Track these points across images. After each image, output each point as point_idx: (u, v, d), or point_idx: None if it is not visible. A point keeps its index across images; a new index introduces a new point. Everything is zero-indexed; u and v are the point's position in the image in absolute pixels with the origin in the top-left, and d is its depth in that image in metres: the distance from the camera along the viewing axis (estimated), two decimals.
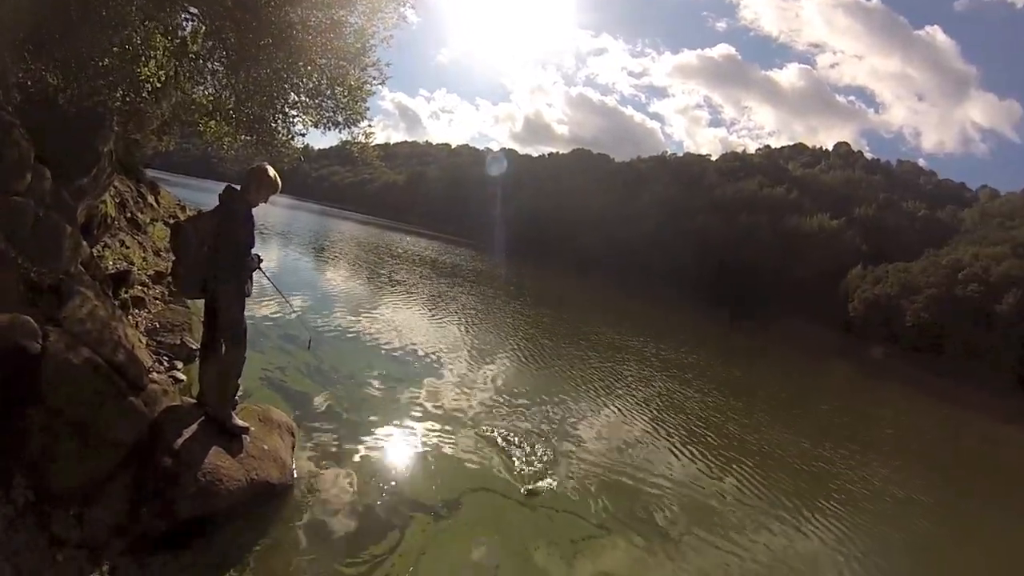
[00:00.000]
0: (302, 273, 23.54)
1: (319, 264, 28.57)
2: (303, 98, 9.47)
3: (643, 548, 7.70)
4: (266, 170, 5.92)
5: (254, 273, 6.22)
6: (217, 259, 5.74)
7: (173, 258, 6.31)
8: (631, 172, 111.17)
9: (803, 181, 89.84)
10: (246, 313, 6.35)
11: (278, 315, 13.67)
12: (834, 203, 79.03)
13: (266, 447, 6.28)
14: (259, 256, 6.16)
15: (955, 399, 34.10)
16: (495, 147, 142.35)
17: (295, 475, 6.71)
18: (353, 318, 16.47)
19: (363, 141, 10.69)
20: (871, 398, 27.80)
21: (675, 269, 72.91)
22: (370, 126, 10.81)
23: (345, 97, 9.50)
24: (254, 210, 6.18)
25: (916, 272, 54.75)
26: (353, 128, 10.52)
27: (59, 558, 4.18)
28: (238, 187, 5.86)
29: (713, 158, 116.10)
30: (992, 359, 45.53)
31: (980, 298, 49.97)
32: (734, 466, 11.84)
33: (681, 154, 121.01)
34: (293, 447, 7.05)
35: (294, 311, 13.17)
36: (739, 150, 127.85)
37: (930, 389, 35.25)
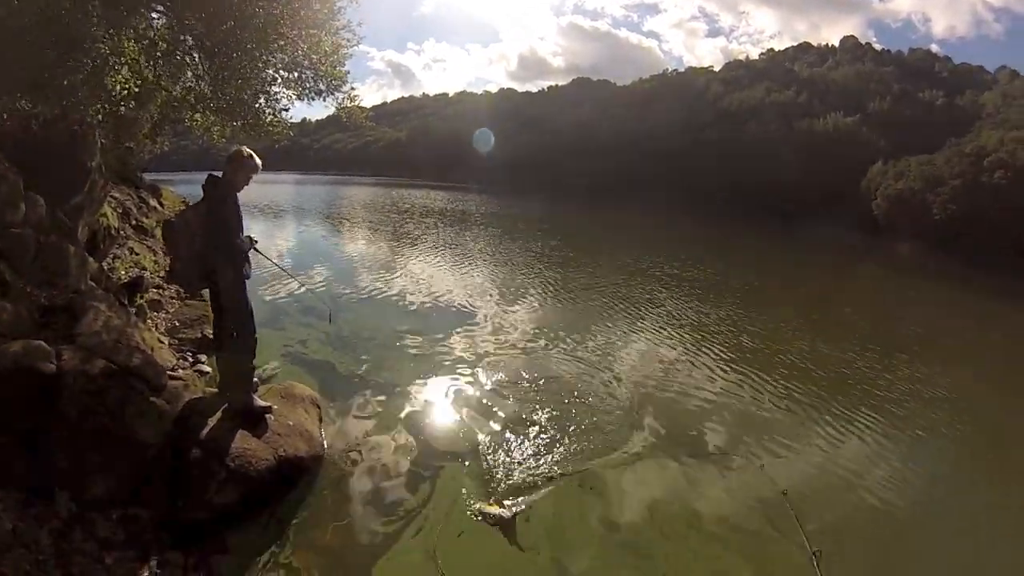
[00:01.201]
0: (318, 245, 23.85)
1: (332, 234, 28.82)
2: (281, 73, 9.56)
3: (693, 466, 7.83)
4: (243, 152, 6.01)
5: (253, 255, 6.37)
6: (210, 248, 5.90)
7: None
8: (634, 95, 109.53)
9: (812, 81, 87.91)
10: (252, 294, 6.53)
11: (296, 292, 13.85)
12: (846, 100, 77.26)
13: (291, 423, 6.48)
14: (252, 238, 6.29)
15: (989, 291, 33.63)
16: (493, 88, 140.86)
17: (325, 445, 6.91)
18: (371, 281, 16.80)
19: (350, 105, 10.77)
20: (901, 298, 27.56)
21: (688, 187, 72.32)
22: (353, 88, 10.89)
23: (323, 64, 9.56)
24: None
25: (939, 163, 53.34)
26: (337, 93, 10.63)
27: (108, 561, 4.43)
28: (219, 175, 6.00)
29: (716, 69, 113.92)
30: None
31: (1008, 185, 48.58)
32: (771, 377, 11.98)
33: (683, 69, 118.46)
34: (320, 418, 7.24)
35: (303, 286, 13.38)
36: (741, 57, 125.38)
37: (962, 283, 34.90)
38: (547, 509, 6.44)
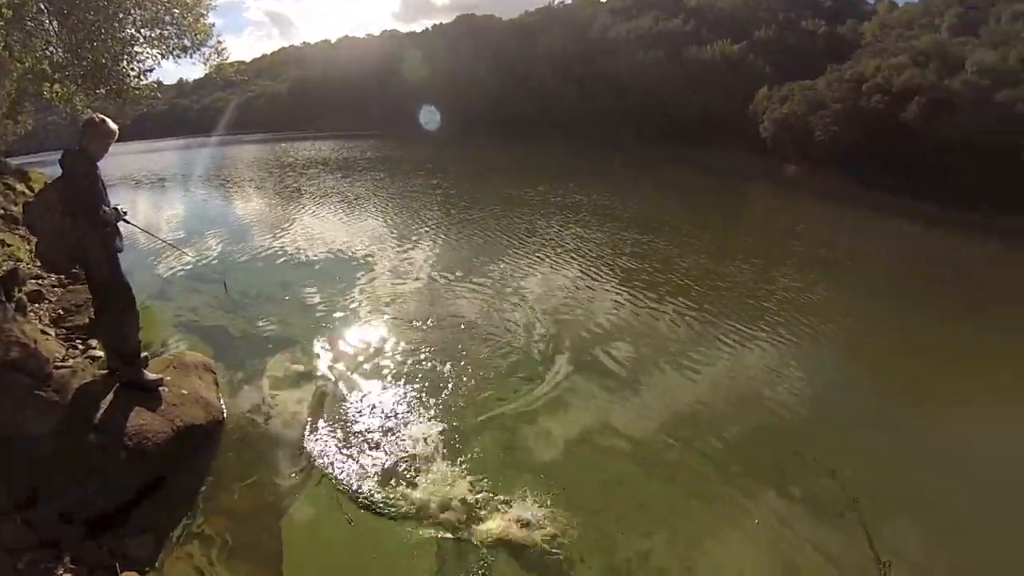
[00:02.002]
0: (205, 211, 23.54)
1: (220, 198, 28.34)
2: (142, 31, 9.02)
3: (607, 391, 8.39)
4: (95, 119, 5.81)
5: (124, 228, 6.24)
6: (74, 225, 5.65)
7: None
8: (520, 29, 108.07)
9: (699, 10, 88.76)
10: (138, 269, 6.56)
11: (184, 261, 13.69)
12: (733, 29, 78.79)
13: (185, 391, 6.57)
14: (119, 209, 6.09)
15: (869, 206, 35.63)
16: (376, 32, 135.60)
17: (224, 410, 7.04)
18: (263, 240, 17.02)
19: (218, 61, 10.49)
20: (793, 216, 28.86)
21: (578, 118, 72.68)
22: (221, 42, 10.41)
23: (185, 18, 9.09)
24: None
25: (821, 88, 55.87)
26: (204, 49, 10.14)
27: (20, 567, 4.25)
28: (76, 148, 5.73)
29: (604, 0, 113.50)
30: (899, 166, 47.11)
31: (885, 108, 51.40)
32: (673, 299, 12.70)
33: (570, 1, 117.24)
34: (216, 383, 7.41)
35: (187, 254, 13.55)
36: None
37: (844, 200, 37.19)
38: (462, 445, 6.70)
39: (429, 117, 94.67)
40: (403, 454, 6.48)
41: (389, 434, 6.82)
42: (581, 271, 14.24)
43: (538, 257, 15.13)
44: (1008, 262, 25.40)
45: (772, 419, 8.39)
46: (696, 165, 49.03)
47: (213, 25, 9.75)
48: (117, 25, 8.19)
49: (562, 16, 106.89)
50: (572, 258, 15.27)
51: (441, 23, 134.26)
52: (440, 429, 6.96)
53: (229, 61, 10.74)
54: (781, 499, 6.67)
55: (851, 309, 14.29)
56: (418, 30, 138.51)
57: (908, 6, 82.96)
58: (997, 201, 41.54)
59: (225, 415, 6.93)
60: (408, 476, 6.14)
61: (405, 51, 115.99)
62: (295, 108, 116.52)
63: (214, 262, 14.02)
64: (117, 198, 6.69)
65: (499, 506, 5.87)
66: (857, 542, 6.21)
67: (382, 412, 7.31)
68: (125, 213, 6.13)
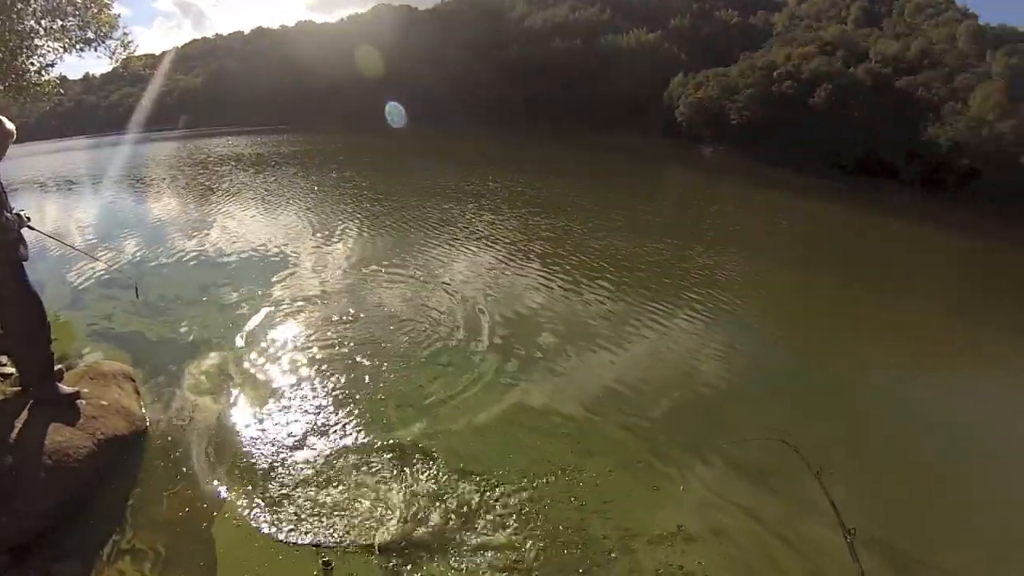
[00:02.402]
0: (119, 213, 22.01)
1: (134, 198, 26.76)
2: (42, 23, 8.28)
3: (529, 374, 8.23)
4: None
5: (29, 235, 5.70)
6: None
7: None
8: (437, 18, 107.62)
9: (617, 0, 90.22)
10: (47, 278, 6.09)
11: (97, 267, 12.81)
12: (648, 18, 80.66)
13: (105, 402, 6.19)
14: (23, 215, 5.59)
15: (781, 185, 37.11)
16: (291, 22, 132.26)
17: (146, 418, 6.68)
18: (179, 242, 15.91)
19: (125, 54, 9.82)
20: (708, 196, 29.62)
21: (494, 106, 72.95)
22: (127, 34, 9.78)
23: (89, 9, 8.39)
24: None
25: (735, 75, 57.90)
26: (109, 41, 9.55)
27: None
28: None
29: None
30: (808, 147, 49.53)
31: (795, 94, 53.94)
32: (590, 281, 12.81)
33: None
34: (136, 391, 7.01)
35: (100, 260, 12.72)
36: None
37: (757, 178, 38.66)
38: (384, 437, 6.54)
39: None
40: (327, 451, 6.30)
41: (312, 432, 6.53)
42: (497, 258, 14.11)
43: (453, 246, 14.95)
44: (905, 233, 27.31)
45: (694, 391, 8.37)
46: (613, 149, 49.89)
47: (119, 16, 9.14)
48: (15, 16, 7.53)
49: (479, 4, 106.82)
50: (487, 245, 15.13)
51: (357, 12, 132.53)
52: (362, 422, 6.78)
53: (137, 54, 10.08)
54: (706, 467, 6.64)
55: (764, 281, 14.75)
56: (333, 20, 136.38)
57: None
58: (895, 178, 47.81)
59: (148, 423, 6.62)
60: (332, 473, 5.98)
61: (321, 42, 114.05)
62: (209, 103, 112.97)
63: (128, 267, 13.29)
64: (20, 203, 6.45)
65: (426, 496, 5.72)
66: (789, 505, 6.21)
67: (304, 409, 6.85)
68: (29, 219, 5.67)
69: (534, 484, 5.96)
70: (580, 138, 56.70)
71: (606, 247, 15.53)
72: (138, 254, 14.65)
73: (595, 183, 30.94)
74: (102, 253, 14.18)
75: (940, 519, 6.74)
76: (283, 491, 5.64)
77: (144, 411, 6.74)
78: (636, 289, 12.53)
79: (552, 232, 16.74)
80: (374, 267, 12.92)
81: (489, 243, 15.35)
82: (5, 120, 5.35)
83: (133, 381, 7.10)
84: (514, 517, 5.52)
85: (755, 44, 70.03)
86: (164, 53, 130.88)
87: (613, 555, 5.25)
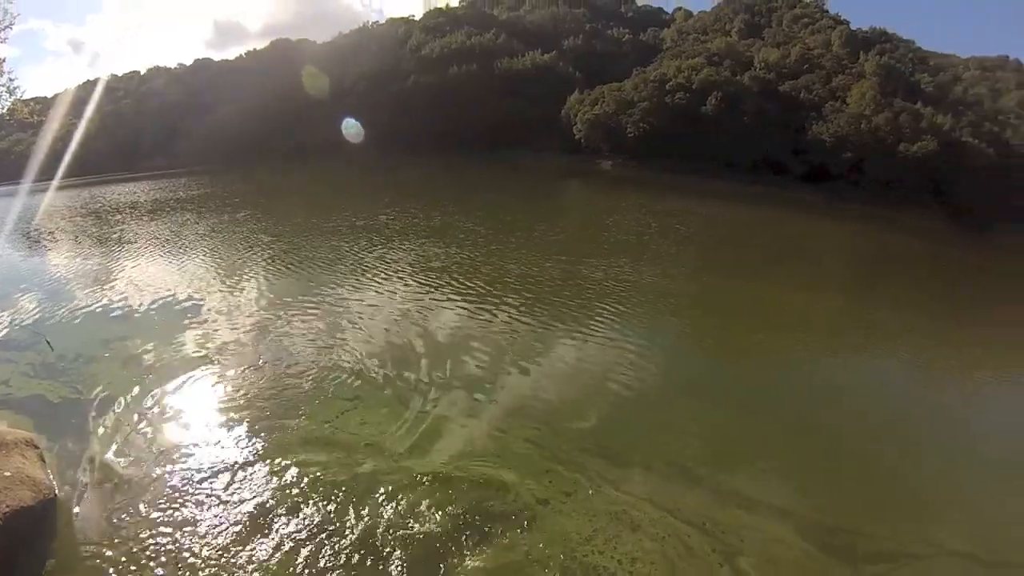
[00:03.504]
0: (13, 270, 20.92)
1: (29, 253, 25.51)
2: None
3: (448, 403, 8.40)
4: None
5: None
6: None
7: None
8: (334, 51, 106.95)
9: (510, 24, 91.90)
10: None
11: None
12: (543, 40, 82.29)
13: (8, 473, 6.02)
14: None
15: (678, 191, 38.08)
16: (188, 61, 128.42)
17: (54, 485, 6.43)
18: (80, 295, 15.38)
19: (11, 98, 9.46)
20: (606, 208, 30.07)
21: (397, 133, 72.50)
22: (12, 79, 9.48)
23: None
24: None
25: (629, 89, 59.44)
26: None
27: None
28: None
29: (417, 17, 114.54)
30: (703, 153, 51.43)
31: (687, 104, 55.90)
32: (506, 301, 12.64)
33: (383, 21, 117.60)
34: (42, 458, 6.75)
35: None
36: (442, 5, 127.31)
37: (654, 187, 39.55)
38: (295, 477, 6.60)
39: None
40: (240, 500, 6.24)
41: (224, 485, 6.50)
42: (391, 289, 14.15)
43: (349, 282, 14.92)
44: (798, 226, 28.56)
45: (601, 399, 8.87)
46: (515, 170, 50.48)
47: (3, 60, 8.79)
48: None
49: (377, 35, 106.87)
50: (382, 278, 15.14)
51: (256, 49, 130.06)
52: (272, 478, 6.70)
53: (24, 98, 9.66)
54: (610, 465, 7.09)
55: (663, 288, 15.43)
56: (231, 57, 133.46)
57: (702, 13, 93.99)
58: (784, 174, 50.59)
59: (56, 492, 6.36)
60: (249, 526, 5.89)
61: (219, 78, 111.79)
62: (107, 145, 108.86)
63: (26, 325, 12.71)
64: None
65: (338, 534, 5.78)
66: (700, 496, 6.78)
67: (212, 461, 6.95)
68: None
69: (453, 504, 6.14)
70: (482, 161, 57.03)
71: (504, 269, 15.69)
72: (36, 312, 14.01)
73: (494, 205, 31.13)
74: (4, 310, 13.63)
75: (855, 487, 7.69)
76: (193, 553, 5.50)
77: (52, 479, 6.49)
78: (537, 307, 12.82)
79: (451, 259, 16.78)
80: (276, 308, 12.75)
81: (383, 276, 15.30)
82: None
83: (37, 448, 6.85)
84: (438, 537, 5.66)
85: (647, 59, 72.71)
86: (56, 96, 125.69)
87: (534, 559, 5.58)
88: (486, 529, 5.83)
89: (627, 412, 8.41)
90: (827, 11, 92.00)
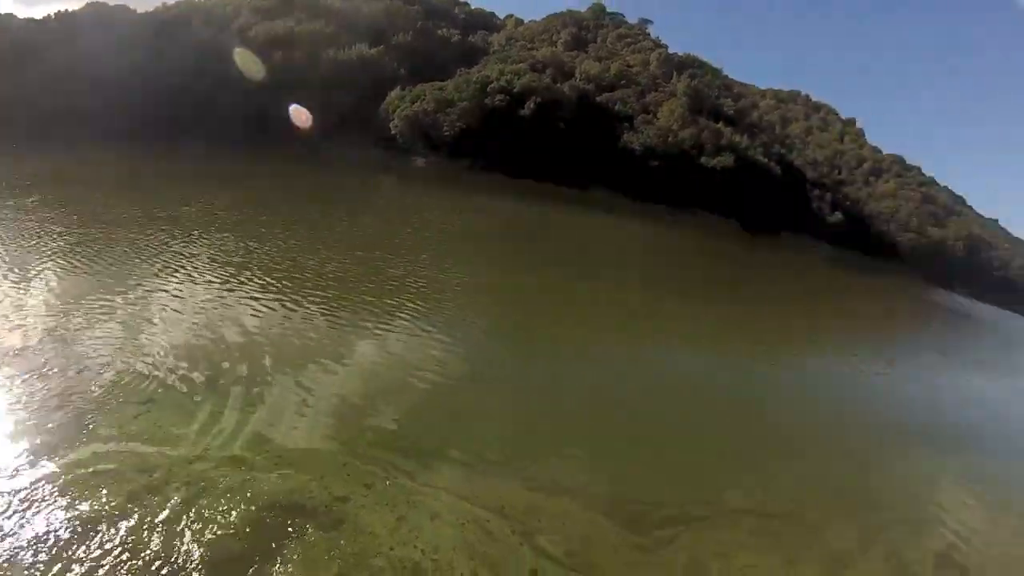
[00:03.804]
0: None
1: None
2: None
3: (239, 407, 7.90)
4: None
5: None
6: None
7: None
8: (156, 21, 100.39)
9: (342, 14, 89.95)
10: None
11: None
12: (372, 33, 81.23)
13: None
14: None
15: (486, 190, 39.20)
16: None
17: None
18: None
19: None
20: (418, 204, 30.20)
21: (209, 120, 68.88)
22: None
23: None
24: None
25: (450, 89, 60.16)
26: None
27: None
28: None
29: None
30: (517, 154, 53.32)
31: (507, 106, 57.73)
32: (306, 297, 12.26)
33: None
34: None
35: None
36: None
37: (466, 185, 40.63)
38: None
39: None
40: (22, 524, 5.70)
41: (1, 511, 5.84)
42: (190, 286, 13.09)
43: (146, 278, 13.63)
44: (594, 226, 30.43)
45: (400, 391, 8.89)
46: (329, 164, 49.39)
47: None
48: None
49: (203, 10, 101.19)
50: (181, 274, 13.96)
51: (67, 10, 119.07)
52: (57, 486, 6.18)
53: None
54: (406, 458, 7.21)
55: (463, 283, 15.77)
56: (38, 16, 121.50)
57: (532, 23, 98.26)
58: (593, 178, 52.63)
59: None
60: (35, 551, 5.43)
61: (20, 40, 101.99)
62: None
63: None
64: None
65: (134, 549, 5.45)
66: (498, 482, 7.07)
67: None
68: None
69: (253, 506, 6.01)
70: (296, 154, 55.19)
71: (305, 265, 15.15)
72: None
73: (301, 199, 30.18)
74: None
75: (647, 462, 8.50)
76: None
77: None
78: (338, 303, 12.55)
79: (250, 254, 15.77)
80: (67, 308, 11.46)
81: (178, 275, 14.03)
82: None
83: None
84: (239, 542, 5.54)
85: (473, 62, 74.55)
86: None
87: (337, 557, 5.57)
88: (288, 530, 5.80)
89: (427, 405, 8.53)
90: (649, 34, 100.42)
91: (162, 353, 9.28)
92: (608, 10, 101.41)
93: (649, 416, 10.12)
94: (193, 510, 5.83)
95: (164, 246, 16.47)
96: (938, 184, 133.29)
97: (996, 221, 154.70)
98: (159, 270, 14.03)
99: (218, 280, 13.42)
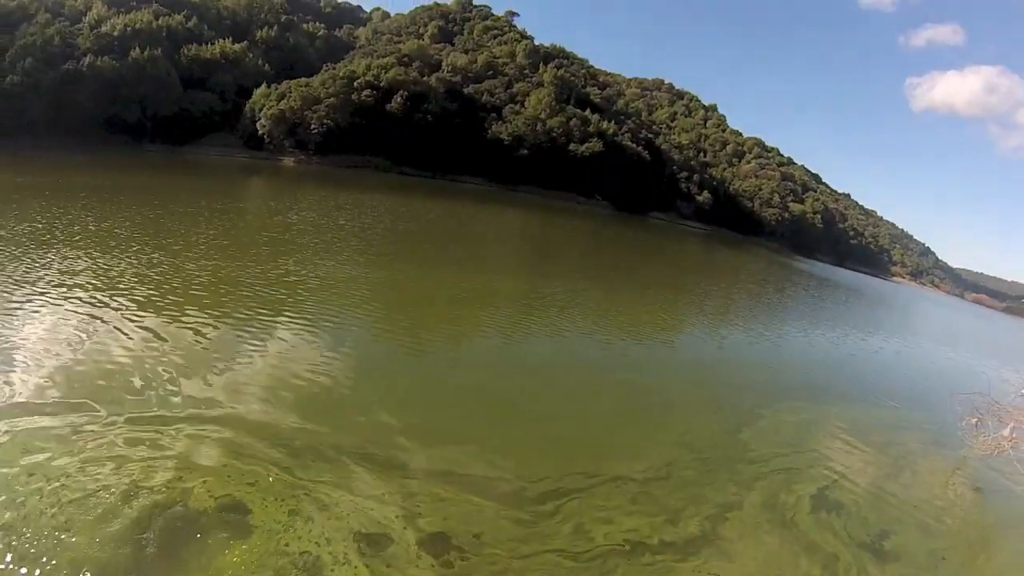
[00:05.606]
0: None
1: None
2: None
3: (131, 418, 7.65)
4: None
5: None
6: None
7: None
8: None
9: (203, 8, 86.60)
10: None
11: None
12: (235, 28, 78.95)
13: None
14: None
15: (357, 185, 39.42)
16: None
17: None
18: None
19: None
20: (287, 204, 29.86)
21: (59, 119, 64.81)
22: None
23: None
24: None
25: (316, 85, 59.60)
26: None
27: None
28: None
29: None
30: (384, 149, 53.58)
31: (374, 101, 57.67)
32: (177, 306, 11.84)
33: None
34: None
35: None
36: None
37: (338, 182, 40.57)
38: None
39: None
40: None
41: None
42: (58, 301, 11.72)
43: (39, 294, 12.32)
44: (472, 214, 31.47)
45: (288, 390, 8.99)
46: (195, 163, 47.81)
47: None
48: None
49: (49, 3, 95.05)
50: (40, 289, 12.47)
51: None
52: None
53: None
54: (288, 455, 7.43)
55: (343, 276, 15.92)
56: None
57: (398, 15, 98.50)
58: (465, 168, 54.78)
59: None
60: None
61: None
62: None
63: None
64: None
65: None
66: (378, 473, 7.46)
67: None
68: None
69: (139, 522, 5.98)
70: (158, 157, 52.72)
71: (177, 273, 14.35)
72: None
73: (164, 206, 28.79)
74: None
75: (528, 442, 9.10)
76: None
77: None
78: (214, 310, 11.87)
79: (120, 264, 14.61)
80: None
81: (56, 286, 12.79)
82: None
83: None
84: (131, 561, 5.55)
85: (340, 56, 74.45)
86: None
87: (236, 561, 5.75)
88: (180, 539, 5.92)
89: (313, 403, 8.71)
90: (515, 26, 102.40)
91: (32, 375, 8.78)
92: (475, 3, 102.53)
93: (528, 398, 10.78)
94: (72, 533, 5.80)
95: (17, 260, 15.46)
96: (795, 163, 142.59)
97: (848, 195, 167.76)
98: (18, 284, 13.30)
99: (85, 292, 12.55)
